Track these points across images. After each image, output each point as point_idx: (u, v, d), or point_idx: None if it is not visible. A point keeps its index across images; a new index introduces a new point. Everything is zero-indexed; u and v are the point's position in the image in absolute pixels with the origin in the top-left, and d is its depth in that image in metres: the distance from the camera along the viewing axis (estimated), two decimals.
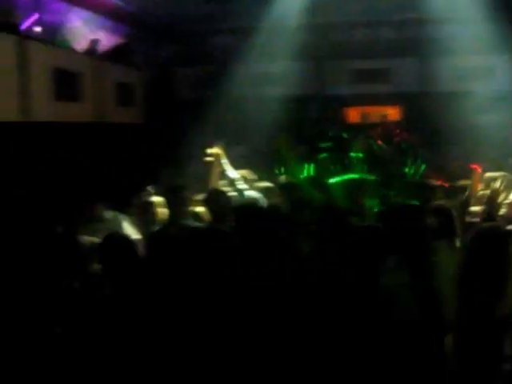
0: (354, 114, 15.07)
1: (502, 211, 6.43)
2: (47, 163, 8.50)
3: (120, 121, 11.98)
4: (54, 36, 10.36)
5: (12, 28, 8.59)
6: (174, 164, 10.96)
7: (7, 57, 8.17)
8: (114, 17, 13.83)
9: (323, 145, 12.18)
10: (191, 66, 15.38)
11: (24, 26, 9.08)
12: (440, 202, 6.45)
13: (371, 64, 14.53)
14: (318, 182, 8.32)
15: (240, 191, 7.26)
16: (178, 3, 13.82)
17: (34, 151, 8.12)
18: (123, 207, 7.00)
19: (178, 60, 15.14)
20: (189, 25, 14.80)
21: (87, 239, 5.07)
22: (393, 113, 14.66)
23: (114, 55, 12.68)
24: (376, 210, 6.60)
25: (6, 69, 8.12)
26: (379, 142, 12.20)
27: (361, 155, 10.81)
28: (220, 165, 7.56)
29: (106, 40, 13.16)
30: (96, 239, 4.82)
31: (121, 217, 6.62)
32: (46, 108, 9.21)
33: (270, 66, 13.85)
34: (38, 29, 9.51)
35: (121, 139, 11.32)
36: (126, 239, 4.59)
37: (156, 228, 6.01)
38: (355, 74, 14.58)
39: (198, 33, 15.23)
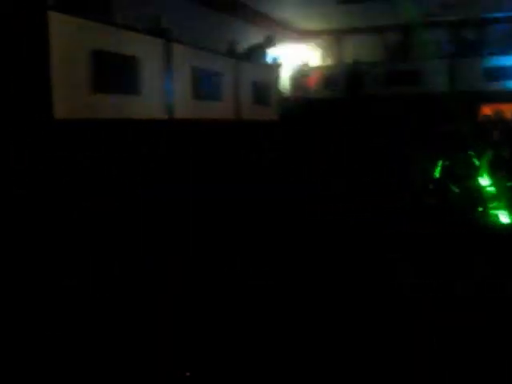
0: (487, 111, 14.74)
1: None
2: (189, 159, 8.99)
3: (256, 118, 12.33)
4: (196, 38, 11.00)
5: (160, 32, 9.26)
6: None
7: (155, 58, 8.80)
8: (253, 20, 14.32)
9: None
10: None
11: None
12: None
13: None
14: None
15: None
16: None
17: (177, 147, 8.64)
18: None
19: None
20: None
21: None
22: None
23: (252, 55, 13.12)
24: None
25: (154, 70, 8.75)
26: None
27: None
28: None
29: (244, 40, 13.64)
30: None
31: None
32: (186, 106, 9.74)
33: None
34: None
35: (257, 137, 11.68)
36: None
37: None
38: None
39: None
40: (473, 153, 9.95)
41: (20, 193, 5.11)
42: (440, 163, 9.00)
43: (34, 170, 5.42)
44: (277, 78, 14.02)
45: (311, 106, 16.13)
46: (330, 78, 17.83)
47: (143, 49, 8.48)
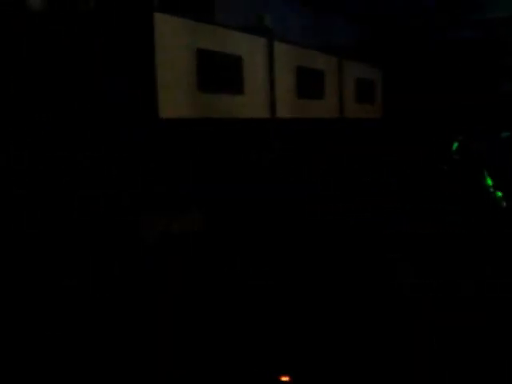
0: None
1: None
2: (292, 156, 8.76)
3: (359, 116, 11.93)
4: (298, 36, 10.77)
5: (264, 31, 9.13)
6: None
7: (259, 57, 8.66)
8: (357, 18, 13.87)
9: None
10: None
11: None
12: None
13: None
14: None
15: None
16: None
17: (281, 145, 8.45)
18: None
19: None
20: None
21: None
22: None
23: (356, 53, 12.70)
24: None
25: (258, 69, 8.60)
26: None
27: None
28: None
29: (347, 38, 13.21)
30: None
31: None
32: (289, 105, 9.52)
33: None
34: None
35: (361, 134, 11.26)
36: None
37: None
38: None
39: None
40: None
41: (129, 189, 5.14)
42: None
43: (141, 168, 5.42)
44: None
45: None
46: None
47: (247, 48, 8.36)
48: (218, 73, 7.53)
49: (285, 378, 2.94)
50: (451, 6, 13.56)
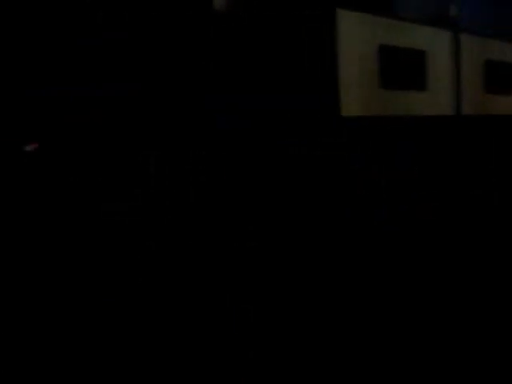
0: None
1: None
2: (479, 158, 8.02)
3: None
4: (485, 28, 9.86)
5: (448, 22, 8.48)
6: None
7: (444, 51, 8.07)
8: None
9: None
10: None
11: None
12: None
13: None
14: None
15: None
16: None
17: (466, 145, 7.78)
18: None
19: None
20: None
21: None
22: None
23: None
24: None
25: (442, 64, 8.02)
26: None
27: None
28: None
29: None
30: None
31: None
32: (476, 101, 8.74)
33: None
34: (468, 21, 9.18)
35: None
36: None
37: None
38: None
39: None
40: None
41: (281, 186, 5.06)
42: None
43: (299, 166, 5.30)
44: None
45: None
46: None
47: (431, 42, 7.83)
48: (401, 69, 7.14)
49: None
50: None
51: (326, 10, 6.29)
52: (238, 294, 3.45)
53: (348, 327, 3.07)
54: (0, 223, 4.82)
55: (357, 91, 6.32)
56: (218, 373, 2.63)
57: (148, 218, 5.09)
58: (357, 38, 6.53)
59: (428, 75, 7.55)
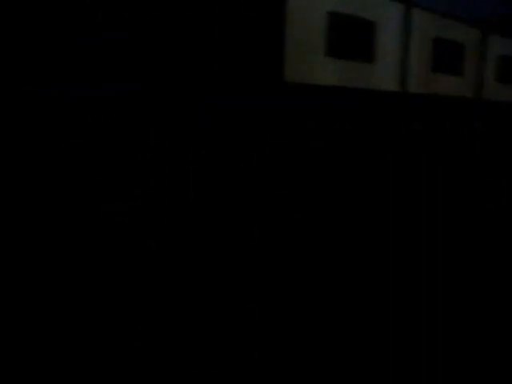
0: None
1: None
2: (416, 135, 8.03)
3: (499, 98, 10.72)
4: (438, 4, 9.80)
5: None
6: None
7: (394, 24, 7.95)
8: None
9: None
10: None
11: None
12: None
13: None
14: None
15: None
16: None
17: (407, 123, 7.75)
18: None
19: None
20: None
21: None
22: None
23: (503, 27, 11.39)
24: None
25: (392, 37, 7.90)
26: None
27: None
28: None
29: (494, 10, 11.91)
30: None
31: None
32: (424, 80, 8.72)
33: None
34: None
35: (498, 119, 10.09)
36: None
37: None
38: None
39: None
40: None
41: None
42: None
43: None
44: None
45: None
46: None
47: (382, 13, 7.69)
48: (349, 38, 6.97)
49: None
50: None
51: None
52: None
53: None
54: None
55: (303, 58, 6.12)
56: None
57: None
58: (306, 3, 6.30)
59: (376, 47, 7.43)
